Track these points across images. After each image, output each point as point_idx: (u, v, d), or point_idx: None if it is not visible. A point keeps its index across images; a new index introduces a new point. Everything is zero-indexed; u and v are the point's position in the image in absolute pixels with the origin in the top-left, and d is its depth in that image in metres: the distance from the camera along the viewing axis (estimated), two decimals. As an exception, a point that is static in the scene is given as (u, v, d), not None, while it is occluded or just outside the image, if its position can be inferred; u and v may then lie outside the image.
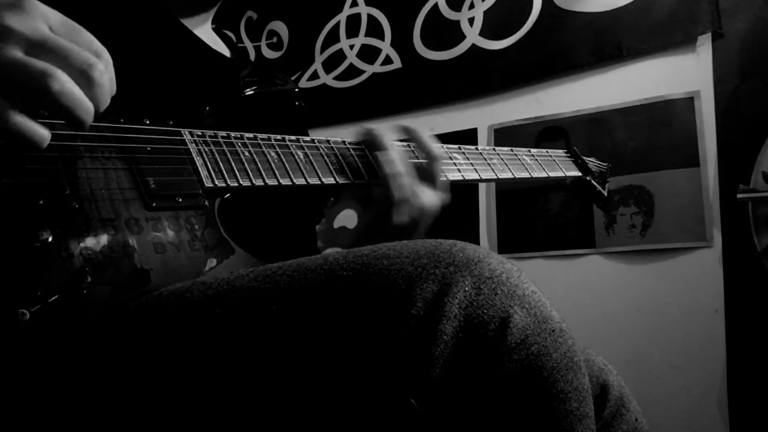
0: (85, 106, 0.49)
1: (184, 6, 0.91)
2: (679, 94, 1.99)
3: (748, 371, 1.81)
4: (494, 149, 1.05)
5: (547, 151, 1.14)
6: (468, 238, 0.56)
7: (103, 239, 0.59)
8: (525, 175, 1.04)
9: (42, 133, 0.50)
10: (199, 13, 0.93)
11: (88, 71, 0.49)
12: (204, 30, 0.95)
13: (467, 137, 2.28)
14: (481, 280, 0.50)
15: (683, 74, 1.99)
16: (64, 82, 0.47)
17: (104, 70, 0.51)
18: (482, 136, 2.31)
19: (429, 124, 2.39)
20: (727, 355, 1.84)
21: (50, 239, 0.55)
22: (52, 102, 0.48)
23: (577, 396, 0.50)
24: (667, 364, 1.93)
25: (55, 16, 0.51)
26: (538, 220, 2.20)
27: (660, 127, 2.01)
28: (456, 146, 1.00)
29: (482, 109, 2.33)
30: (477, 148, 1.03)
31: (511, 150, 1.08)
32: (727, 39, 1.93)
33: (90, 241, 0.58)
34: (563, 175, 1.14)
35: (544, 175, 1.09)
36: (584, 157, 1.21)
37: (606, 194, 1.23)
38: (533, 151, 1.12)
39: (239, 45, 2.82)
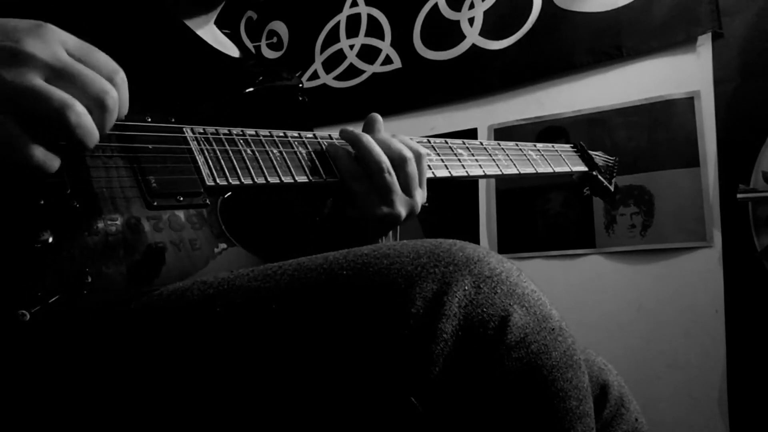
0: (94, 136, 0.52)
1: (187, 6, 0.91)
2: (679, 94, 1.99)
3: (748, 371, 1.81)
4: (499, 144, 1.02)
5: (552, 146, 1.11)
6: (468, 238, 0.56)
7: (105, 239, 0.59)
8: (530, 170, 1.01)
9: (55, 165, 0.52)
10: (201, 14, 0.93)
11: (104, 98, 0.52)
12: (207, 30, 0.95)
13: (467, 137, 2.26)
14: (480, 279, 0.50)
15: (683, 74, 1.99)
16: (80, 114, 0.50)
17: (116, 98, 0.53)
18: (482, 136, 2.31)
19: (429, 124, 2.40)
20: (727, 355, 1.84)
21: (51, 240, 0.55)
22: (68, 133, 0.50)
23: (577, 394, 0.50)
24: (667, 364, 1.93)
25: (72, 40, 0.53)
26: (539, 219, 2.20)
27: (660, 127, 2.01)
28: (460, 141, 0.98)
29: (482, 109, 2.33)
30: (481, 143, 1.00)
31: (516, 145, 1.05)
32: (727, 39, 1.93)
33: (91, 241, 0.58)
34: (569, 170, 1.11)
35: (549, 170, 1.06)
36: (590, 152, 1.19)
37: (612, 189, 1.21)
38: (539, 145, 1.08)
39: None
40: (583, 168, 1.15)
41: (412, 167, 0.82)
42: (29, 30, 0.50)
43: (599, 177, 1.18)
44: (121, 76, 0.55)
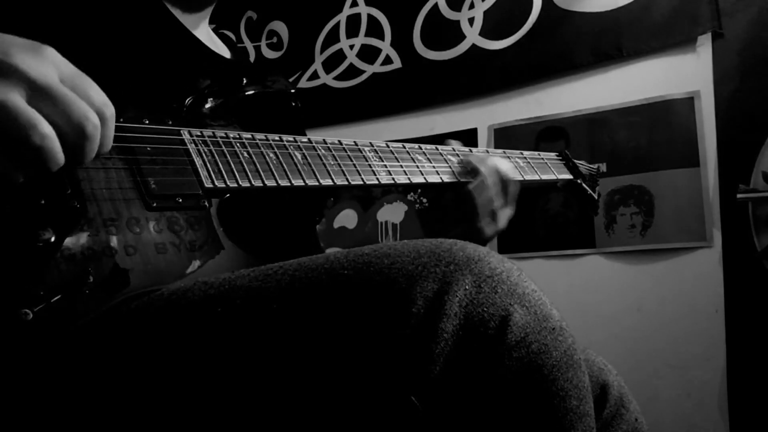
0: (56, 162, 0.49)
1: (181, 4, 0.90)
2: (679, 94, 1.99)
3: (748, 371, 1.81)
4: (487, 151, 1.06)
5: (539, 154, 1.14)
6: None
7: (105, 239, 0.59)
8: (517, 177, 1.04)
9: (20, 179, 0.50)
10: (196, 11, 0.93)
11: (83, 124, 0.50)
12: (202, 29, 0.95)
13: (467, 137, 2.28)
14: (481, 278, 0.50)
15: (683, 74, 1.99)
16: (44, 137, 0.48)
17: (98, 125, 0.51)
18: (482, 136, 2.31)
19: (429, 124, 2.39)
20: (727, 355, 1.84)
21: (52, 239, 0.55)
22: (29, 154, 0.48)
23: (578, 394, 0.50)
24: (667, 364, 1.93)
25: (68, 67, 0.51)
26: (538, 220, 2.20)
27: (660, 127, 2.01)
28: (450, 148, 1.00)
29: (482, 109, 2.33)
30: (471, 150, 1.03)
31: (504, 152, 1.08)
32: (727, 39, 1.93)
33: (91, 241, 0.58)
34: (555, 178, 1.14)
35: (536, 177, 1.09)
36: (575, 160, 1.21)
37: (596, 197, 1.23)
38: (525, 153, 1.11)
39: (239, 45, 2.83)
40: (568, 176, 1.17)
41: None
42: (25, 46, 0.49)
43: (584, 185, 1.19)
44: (111, 111, 0.53)
